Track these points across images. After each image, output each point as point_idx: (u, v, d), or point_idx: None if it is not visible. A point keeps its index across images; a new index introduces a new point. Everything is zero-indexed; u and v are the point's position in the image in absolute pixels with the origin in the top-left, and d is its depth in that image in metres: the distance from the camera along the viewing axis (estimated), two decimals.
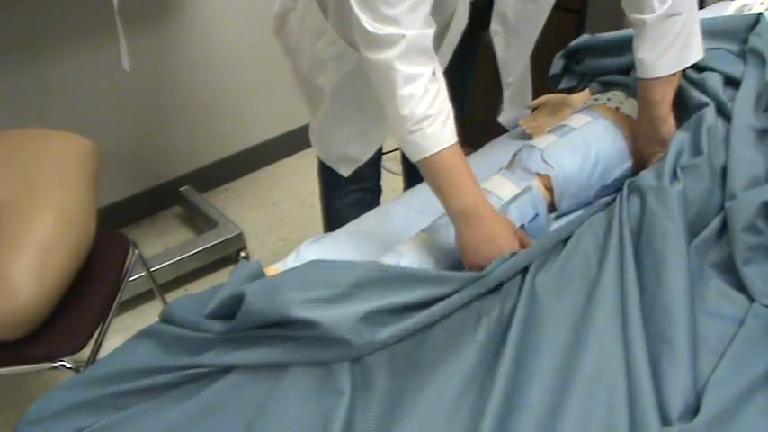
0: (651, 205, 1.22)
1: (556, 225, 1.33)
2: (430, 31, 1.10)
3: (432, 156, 1.11)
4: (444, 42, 1.33)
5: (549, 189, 1.31)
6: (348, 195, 1.68)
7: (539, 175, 1.31)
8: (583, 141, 1.35)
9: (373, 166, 1.66)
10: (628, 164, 1.40)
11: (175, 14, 2.33)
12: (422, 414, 0.98)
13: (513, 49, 1.47)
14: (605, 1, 2.58)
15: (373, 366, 1.01)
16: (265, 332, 1.03)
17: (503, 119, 1.65)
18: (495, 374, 0.99)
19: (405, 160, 1.90)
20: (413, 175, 1.62)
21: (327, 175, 1.68)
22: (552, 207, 1.34)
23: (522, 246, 1.17)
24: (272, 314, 1.01)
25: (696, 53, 1.33)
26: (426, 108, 1.09)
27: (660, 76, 1.30)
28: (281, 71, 2.63)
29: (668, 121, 1.34)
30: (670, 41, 1.28)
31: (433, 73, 1.12)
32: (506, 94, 1.59)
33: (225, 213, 2.46)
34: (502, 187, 1.29)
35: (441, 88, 1.12)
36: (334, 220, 1.73)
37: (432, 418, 0.97)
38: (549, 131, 1.41)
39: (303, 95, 1.60)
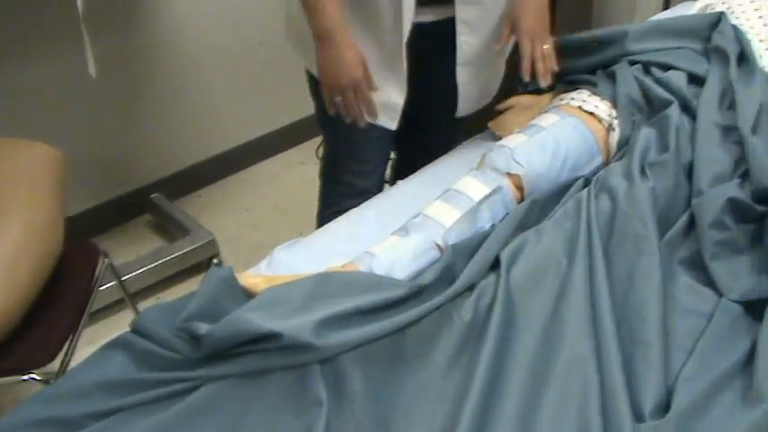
0: (622, 206, 1.23)
1: None
2: None
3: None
4: None
5: (520, 188, 1.32)
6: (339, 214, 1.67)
7: (509, 174, 1.32)
8: (552, 140, 1.36)
9: (375, 180, 1.69)
10: (597, 161, 1.42)
11: (142, 20, 2.31)
12: (400, 417, 0.98)
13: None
14: (573, 4, 2.62)
15: (345, 370, 1.00)
16: (233, 350, 1.03)
17: (459, 74, 1.56)
18: (471, 378, 0.99)
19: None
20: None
21: (327, 188, 1.74)
22: None
23: (367, 78, 1.37)
24: (234, 336, 1.01)
25: None
26: None
27: None
28: (250, 76, 2.64)
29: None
30: None
31: None
32: (459, 67, 1.51)
33: (197, 220, 2.44)
34: (472, 188, 1.30)
35: None
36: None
37: (408, 421, 0.97)
38: (518, 131, 1.42)
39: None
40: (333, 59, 1.35)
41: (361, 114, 1.40)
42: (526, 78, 1.45)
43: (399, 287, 1.11)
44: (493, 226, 1.26)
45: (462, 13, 1.43)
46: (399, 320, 1.07)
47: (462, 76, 1.52)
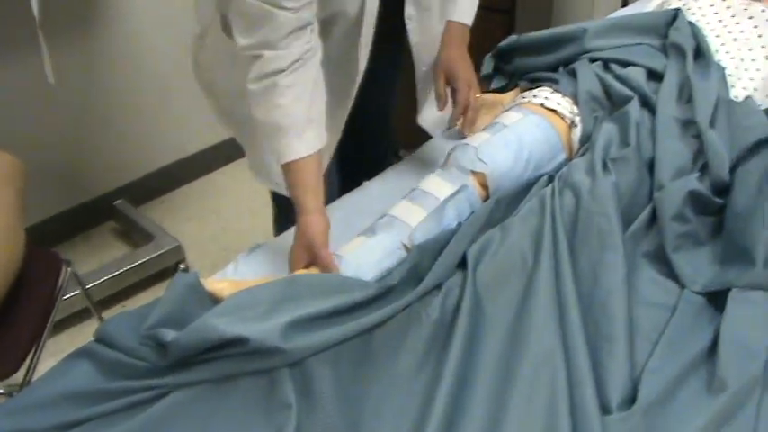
0: (585, 202, 1.24)
1: None
2: (287, 53, 1.17)
3: (285, 164, 1.22)
4: (362, 32, 1.34)
5: (485, 186, 1.33)
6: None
7: (473, 173, 1.32)
8: (515, 138, 1.38)
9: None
10: (560, 158, 1.43)
11: (101, 27, 2.28)
12: (369, 417, 0.98)
13: (426, 33, 1.48)
14: (533, 2, 2.64)
15: (315, 371, 1.00)
16: (201, 356, 1.02)
17: (422, 120, 1.62)
18: (440, 377, 0.99)
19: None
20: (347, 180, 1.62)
21: (281, 205, 1.67)
22: None
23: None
24: (200, 342, 1.01)
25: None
26: (279, 118, 1.19)
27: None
28: None
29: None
30: None
31: (288, 86, 1.18)
32: (419, 86, 1.56)
33: (162, 226, 2.41)
34: (438, 187, 1.31)
35: (291, 101, 1.19)
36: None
37: (378, 421, 0.97)
38: (482, 130, 1.43)
39: (233, 132, 1.57)
40: (296, 237, 1.23)
41: None
42: (454, 123, 1.48)
43: (367, 288, 1.11)
44: (459, 224, 1.27)
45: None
46: (367, 321, 1.07)
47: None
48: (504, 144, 1.37)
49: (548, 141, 1.42)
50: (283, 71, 1.17)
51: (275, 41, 1.16)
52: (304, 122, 1.21)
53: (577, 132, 1.45)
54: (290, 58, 1.17)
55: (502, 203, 1.30)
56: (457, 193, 1.29)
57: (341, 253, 1.21)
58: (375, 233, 1.24)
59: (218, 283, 1.15)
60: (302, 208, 1.21)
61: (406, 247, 1.22)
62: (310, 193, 1.22)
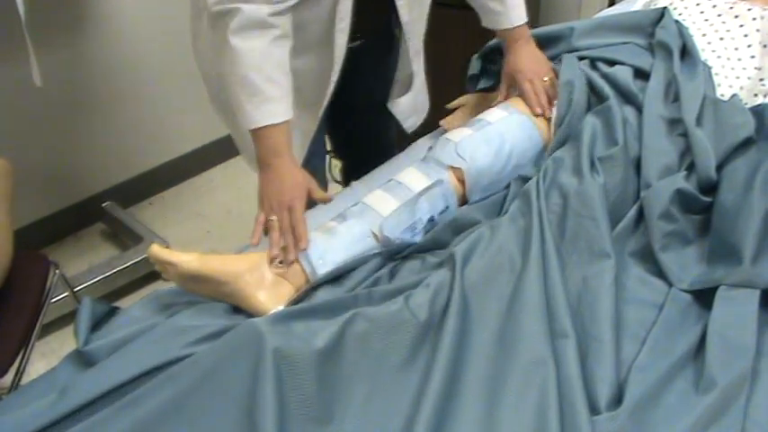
0: (573, 205, 1.24)
1: None
2: (266, 7, 1.19)
3: (260, 129, 1.22)
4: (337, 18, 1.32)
5: (462, 181, 1.33)
6: None
7: (452, 168, 1.33)
8: (497, 135, 1.38)
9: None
10: (542, 160, 1.43)
11: (88, 28, 2.27)
12: (355, 419, 0.98)
13: (415, 9, 1.46)
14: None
15: (300, 373, 0.99)
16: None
17: (393, 105, 1.59)
18: (429, 379, 0.99)
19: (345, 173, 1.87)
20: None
21: None
22: (464, 199, 1.35)
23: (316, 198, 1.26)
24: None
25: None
26: (262, 82, 1.20)
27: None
28: (199, 80, 2.61)
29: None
30: None
31: (274, 41, 1.21)
32: (400, 69, 1.55)
33: (150, 227, 2.40)
34: (413, 179, 1.31)
35: (273, 66, 1.22)
36: None
37: (364, 422, 0.98)
38: (465, 125, 1.43)
39: (225, 122, 1.56)
40: (273, 182, 1.24)
41: (289, 245, 1.20)
42: (539, 111, 1.47)
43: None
44: (432, 218, 1.27)
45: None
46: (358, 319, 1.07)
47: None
48: (484, 140, 1.37)
49: (530, 142, 1.43)
50: (267, 22, 1.19)
51: None
52: (282, 90, 1.22)
53: (554, 111, 1.46)
54: (268, 10, 1.19)
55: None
56: (431, 187, 1.29)
57: (311, 237, 1.21)
58: (346, 219, 1.25)
59: (184, 256, 1.15)
60: (273, 158, 1.22)
61: (375, 235, 1.23)
62: (281, 139, 1.23)
